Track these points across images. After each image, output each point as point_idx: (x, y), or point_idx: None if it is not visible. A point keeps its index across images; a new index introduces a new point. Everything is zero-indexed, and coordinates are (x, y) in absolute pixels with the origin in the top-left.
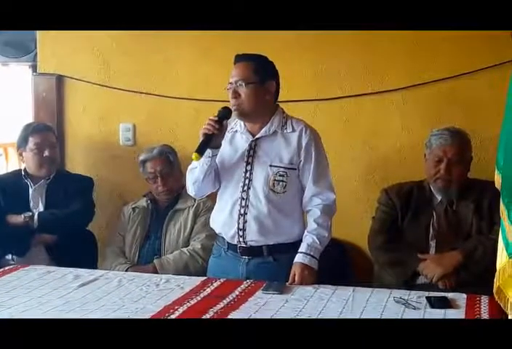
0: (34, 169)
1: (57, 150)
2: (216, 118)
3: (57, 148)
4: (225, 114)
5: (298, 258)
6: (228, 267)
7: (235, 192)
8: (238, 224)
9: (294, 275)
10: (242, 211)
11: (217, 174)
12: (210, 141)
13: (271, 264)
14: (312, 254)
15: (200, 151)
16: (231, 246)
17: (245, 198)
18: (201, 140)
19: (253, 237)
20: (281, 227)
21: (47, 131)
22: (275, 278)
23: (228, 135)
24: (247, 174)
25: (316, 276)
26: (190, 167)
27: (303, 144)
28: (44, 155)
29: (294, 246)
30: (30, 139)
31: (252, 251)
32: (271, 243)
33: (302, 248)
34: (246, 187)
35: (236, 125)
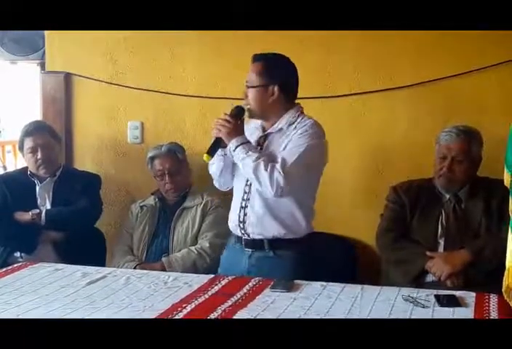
0: (33, 169)
1: (53, 150)
2: (227, 118)
3: (55, 147)
4: (237, 113)
5: None
6: (234, 259)
7: (241, 186)
8: (239, 217)
9: None
10: (243, 204)
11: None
12: (221, 141)
13: (271, 258)
14: None
15: (210, 152)
16: (238, 239)
17: (247, 191)
18: (212, 141)
19: (252, 229)
20: (279, 220)
21: (41, 132)
22: (274, 273)
23: (249, 130)
24: None
25: None
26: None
27: (296, 134)
28: (38, 157)
29: (295, 243)
30: (25, 142)
31: (255, 244)
32: (270, 236)
33: None
34: (249, 182)
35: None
